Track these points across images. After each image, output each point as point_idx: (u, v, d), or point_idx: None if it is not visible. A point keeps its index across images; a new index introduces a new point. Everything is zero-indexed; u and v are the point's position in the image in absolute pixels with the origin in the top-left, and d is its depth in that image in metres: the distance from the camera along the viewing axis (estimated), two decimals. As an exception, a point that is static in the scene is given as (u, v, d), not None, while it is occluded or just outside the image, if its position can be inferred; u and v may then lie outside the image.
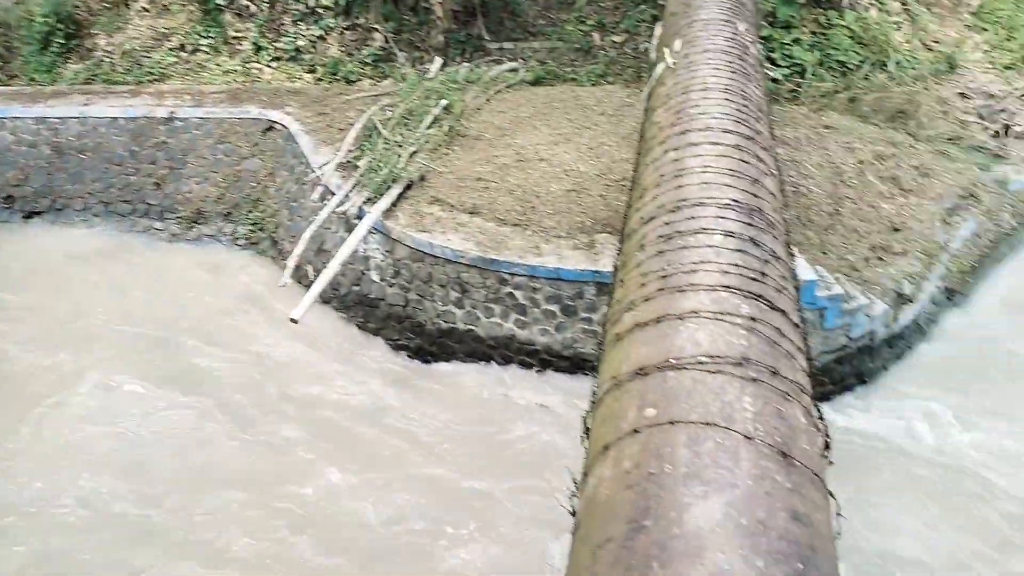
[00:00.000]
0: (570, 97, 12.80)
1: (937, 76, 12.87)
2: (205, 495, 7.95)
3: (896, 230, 10.53)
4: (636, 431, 3.53)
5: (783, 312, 4.02)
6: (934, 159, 11.54)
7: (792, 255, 4.85)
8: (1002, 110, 12.99)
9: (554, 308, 9.52)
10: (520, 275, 9.45)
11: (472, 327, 9.89)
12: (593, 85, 13.72)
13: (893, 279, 9.88)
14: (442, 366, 9.96)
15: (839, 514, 3.37)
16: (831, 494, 3.38)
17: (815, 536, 3.01)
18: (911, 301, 10.02)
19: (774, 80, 12.56)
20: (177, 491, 8.00)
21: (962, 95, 12.93)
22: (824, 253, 9.99)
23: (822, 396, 9.32)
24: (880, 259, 10.09)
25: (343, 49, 15.01)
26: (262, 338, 10.34)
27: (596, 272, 9.10)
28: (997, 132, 12.72)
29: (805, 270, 8.88)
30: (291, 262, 10.12)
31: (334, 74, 14.74)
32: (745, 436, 3.29)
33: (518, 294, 9.60)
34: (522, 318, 9.66)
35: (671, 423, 3.44)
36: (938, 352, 9.99)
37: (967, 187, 11.31)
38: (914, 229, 10.53)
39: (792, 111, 12.16)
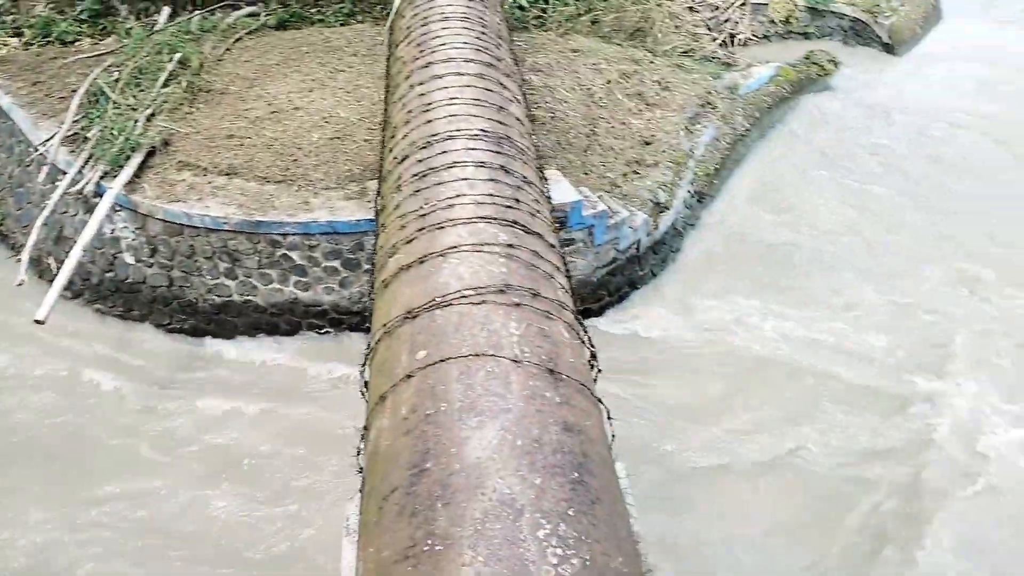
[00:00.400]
0: (319, 40, 12.16)
1: (669, -8, 13.73)
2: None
3: (647, 143, 11.23)
4: (410, 375, 3.48)
5: (539, 235, 4.11)
6: (672, 72, 12.39)
7: (543, 178, 4.97)
8: (726, 20, 14.16)
9: (335, 264, 9.19)
10: (293, 234, 8.98)
11: (250, 297, 9.30)
12: (342, 25, 13.13)
13: (649, 190, 10.56)
14: (223, 346, 9.30)
15: (610, 418, 3.58)
16: (600, 400, 3.56)
17: (586, 442, 3.16)
18: (667, 208, 10.80)
19: (520, 8, 12.74)
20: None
21: (691, 8, 13.93)
22: (586, 174, 10.44)
23: (601, 308, 10.03)
24: (636, 173, 10.73)
25: (52, 6, 13.12)
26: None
27: (372, 220, 8.85)
28: (724, 41, 13.84)
29: (570, 192, 9.23)
30: (26, 255, 8.88)
31: (46, 36, 12.86)
32: (513, 360, 3.35)
33: (294, 255, 9.14)
34: (303, 279, 9.24)
35: (442, 361, 3.42)
36: (697, 251, 10.91)
37: (703, 96, 12.27)
38: (662, 141, 11.29)
39: (540, 37, 12.45)
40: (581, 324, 3.96)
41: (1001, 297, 9.79)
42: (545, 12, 13.09)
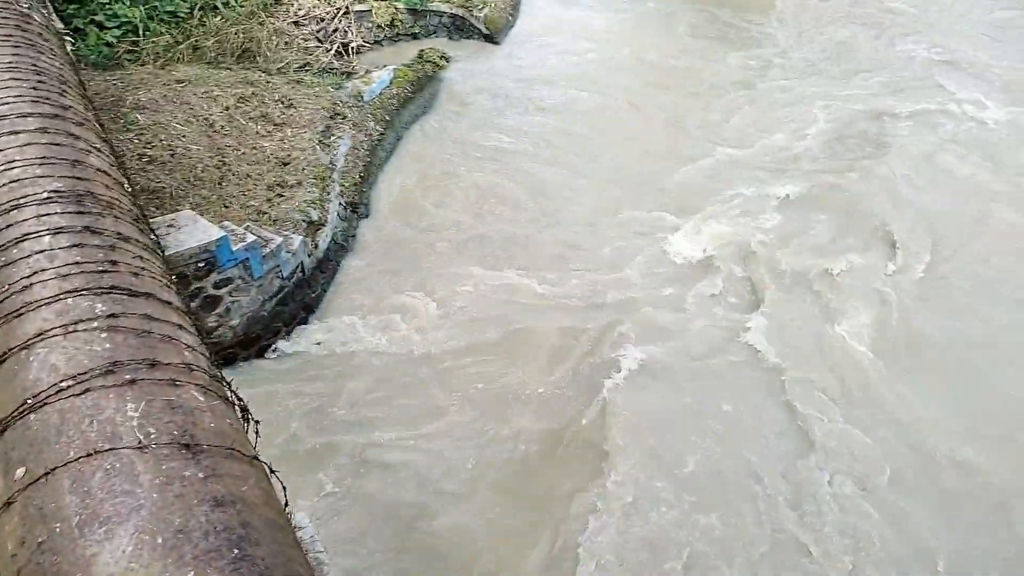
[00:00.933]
0: None
1: (267, 9, 13.31)
2: None
3: (285, 164, 10.86)
4: (10, 502, 2.84)
5: (148, 295, 3.62)
6: (293, 89, 12.10)
7: (150, 228, 4.43)
8: (335, 30, 14.16)
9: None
10: None
11: None
12: None
13: (300, 210, 10.24)
14: None
15: (273, 471, 3.28)
16: (256, 457, 3.24)
17: (245, 511, 2.84)
18: (323, 225, 10.57)
19: (108, 44, 11.48)
20: None
21: (296, 23, 13.69)
22: (226, 206, 9.81)
23: (281, 337, 9.54)
24: (281, 195, 10.33)
25: None
26: None
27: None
28: (338, 51, 13.85)
29: (212, 230, 8.56)
30: None
31: None
32: (138, 447, 2.89)
33: None
34: None
35: (48, 473, 2.84)
36: (360, 260, 10.86)
37: (331, 108, 12.18)
38: (300, 159, 11.00)
39: (138, 72, 11.35)
40: (220, 379, 3.57)
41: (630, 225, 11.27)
42: (138, 45, 11.94)
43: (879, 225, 11.67)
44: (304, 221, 10.17)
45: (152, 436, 2.93)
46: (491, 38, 16.80)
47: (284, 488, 3.31)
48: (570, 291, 10.22)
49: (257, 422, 3.61)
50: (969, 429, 8.34)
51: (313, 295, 10.16)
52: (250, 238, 9.14)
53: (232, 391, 3.53)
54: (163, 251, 4.19)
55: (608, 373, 8.90)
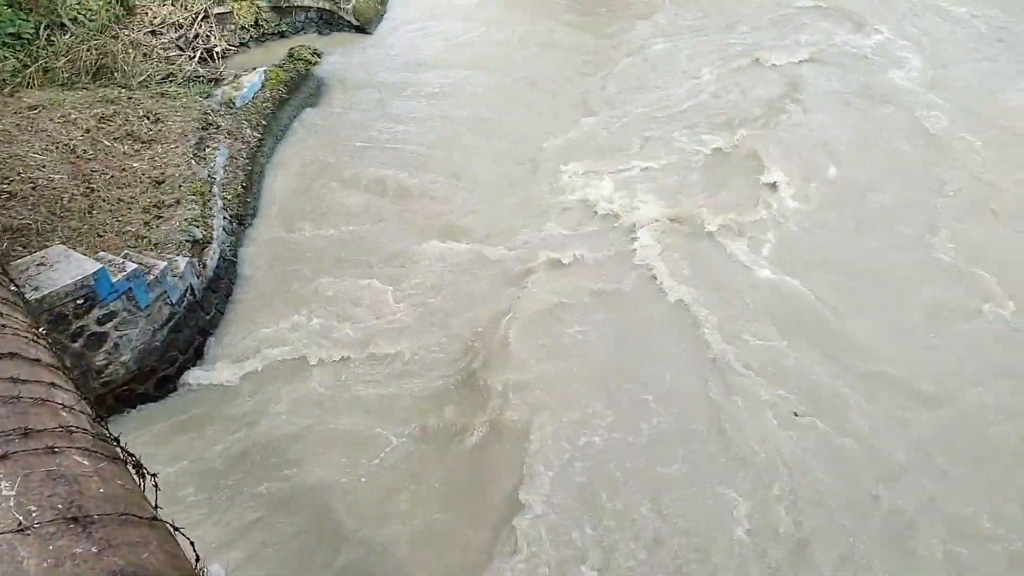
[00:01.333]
0: None
1: (120, 21, 12.49)
2: None
3: (159, 183, 10.27)
4: None
5: (12, 354, 3.31)
6: (158, 103, 11.43)
7: (8, 278, 4.05)
8: (196, 36, 13.46)
9: None
10: None
11: None
12: None
13: (182, 230, 9.73)
14: None
15: (177, 528, 3.05)
16: (156, 517, 3.01)
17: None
18: (209, 242, 10.08)
19: (-57, 73, 10.50)
20: None
21: (153, 33, 12.92)
22: (100, 236, 9.21)
23: (182, 366, 9.06)
24: (159, 217, 9.78)
25: None
26: None
27: None
28: (202, 57, 13.19)
29: (87, 263, 8.02)
30: None
31: None
32: (19, 530, 2.63)
33: None
34: None
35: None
36: (254, 275, 10.44)
37: (201, 118, 11.58)
38: (175, 176, 10.43)
39: (-18, 103, 10.46)
40: (106, 437, 3.30)
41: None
42: (-22, 73, 11.00)
43: (764, 153, 12.40)
44: (188, 241, 9.68)
45: (34, 514, 2.67)
46: (363, 29, 16.38)
47: (192, 544, 3.10)
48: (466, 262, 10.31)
49: (154, 475, 3.37)
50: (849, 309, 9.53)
51: (208, 317, 9.71)
52: (131, 267, 8.61)
53: (122, 448, 3.27)
54: (25, 301, 3.83)
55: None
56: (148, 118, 11.04)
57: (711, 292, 9.83)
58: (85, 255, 8.29)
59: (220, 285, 10.10)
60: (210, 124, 11.69)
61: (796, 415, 8.25)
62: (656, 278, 10.07)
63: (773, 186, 11.78)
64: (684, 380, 8.59)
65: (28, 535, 2.60)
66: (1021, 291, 9.84)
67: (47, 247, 8.31)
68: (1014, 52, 16.12)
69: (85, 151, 10.19)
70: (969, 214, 11.25)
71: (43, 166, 9.81)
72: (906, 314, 9.55)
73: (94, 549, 2.62)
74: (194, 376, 8.99)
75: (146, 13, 13.39)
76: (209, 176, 10.86)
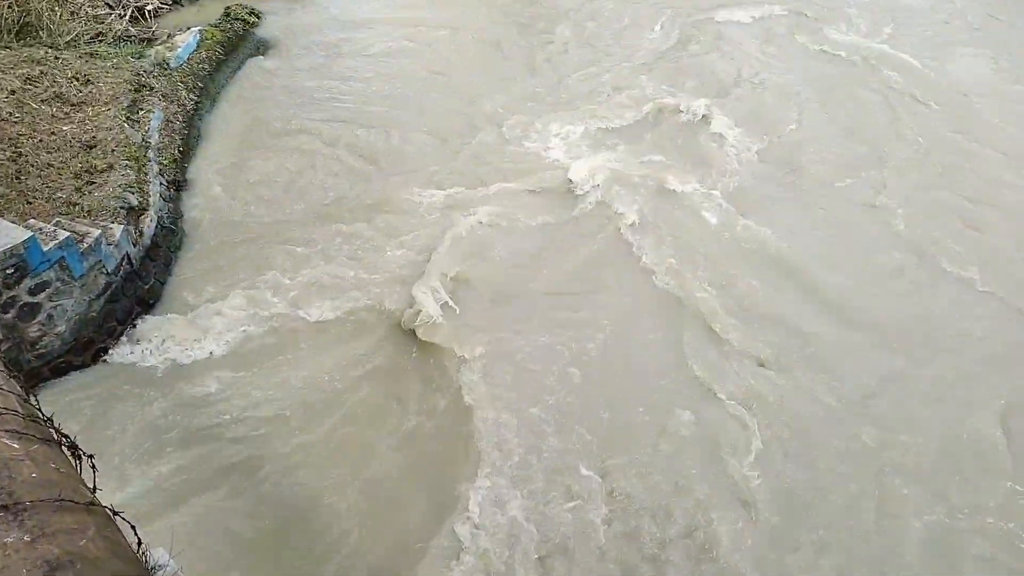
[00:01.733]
0: None
1: (43, -24, 11.89)
2: None
3: (91, 147, 9.94)
4: None
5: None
6: (87, 64, 10.98)
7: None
8: (128, -7, 12.92)
9: None
10: None
11: None
12: None
13: (116, 196, 9.45)
14: None
15: (117, 512, 3.06)
16: (94, 502, 3.01)
17: (86, 570, 2.66)
18: (146, 209, 9.82)
19: None
20: None
21: (83, -11, 12.36)
22: (29, 203, 8.91)
23: (116, 336, 8.89)
24: (92, 183, 9.48)
25: None
26: None
27: None
28: (134, 16, 12.68)
29: (16, 231, 7.77)
30: None
31: None
32: (-54, 520, 2.62)
33: None
34: None
35: None
36: (197, 241, 10.23)
37: (134, 80, 11.18)
38: (108, 139, 10.09)
39: None
40: (38, 419, 3.27)
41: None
42: None
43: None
44: (123, 208, 9.41)
45: (-38, 505, 2.66)
46: (303, -13, 15.89)
47: (134, 528, 3.11)
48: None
49: (91, 456, 3.35)
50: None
51: (147, 287, 9.51)
52: (63, 235, 8.37)
53: (55, 428, 3.25)
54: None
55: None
56: (77, 79, 10.62)
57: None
58: (14, 223, 8.03)
59: (158, 253, 9.88)
60: (143, 86, 11.30)
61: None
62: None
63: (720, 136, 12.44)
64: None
65: (-43, 525, 2.59)
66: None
67: (-27, 216, 8.04)
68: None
69: (11, 114, 9.77)
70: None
71: (-35, 130, 9.40)
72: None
73: (27, 538, 2.62)
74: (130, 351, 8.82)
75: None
76: (144, 140, 10.53)
